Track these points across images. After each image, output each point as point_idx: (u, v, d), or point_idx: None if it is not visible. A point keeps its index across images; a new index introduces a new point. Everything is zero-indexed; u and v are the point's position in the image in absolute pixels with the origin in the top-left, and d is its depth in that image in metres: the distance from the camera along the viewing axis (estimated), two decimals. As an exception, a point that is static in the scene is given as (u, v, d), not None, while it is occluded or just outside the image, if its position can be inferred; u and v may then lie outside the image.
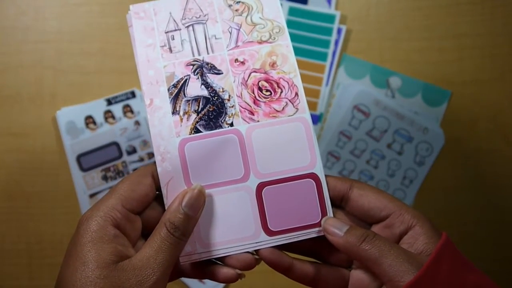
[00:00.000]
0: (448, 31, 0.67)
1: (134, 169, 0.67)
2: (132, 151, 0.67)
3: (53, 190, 0.66)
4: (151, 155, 0.67)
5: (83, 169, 0.66)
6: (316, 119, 0.67)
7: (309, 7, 0.68)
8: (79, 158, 0.66)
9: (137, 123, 0.67)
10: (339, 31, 0.67)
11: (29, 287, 0.66)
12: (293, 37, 0.59)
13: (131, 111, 0.67)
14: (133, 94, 0.67)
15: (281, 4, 0.44)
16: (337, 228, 0.38)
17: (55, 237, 0.66)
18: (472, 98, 0.67)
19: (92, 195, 0.66)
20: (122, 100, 0.67)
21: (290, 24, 0.67)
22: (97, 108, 0.66)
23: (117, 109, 0.67)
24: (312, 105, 0.67)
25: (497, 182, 0.67)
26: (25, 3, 0.68)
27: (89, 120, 0.66)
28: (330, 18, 0.67)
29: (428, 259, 0.35)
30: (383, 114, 0.67)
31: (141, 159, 0.67)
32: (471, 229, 0.67)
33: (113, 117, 0.67)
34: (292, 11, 0.67)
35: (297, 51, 0.55)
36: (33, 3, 0.68)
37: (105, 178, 0.66)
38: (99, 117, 0.66)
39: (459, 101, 0.67)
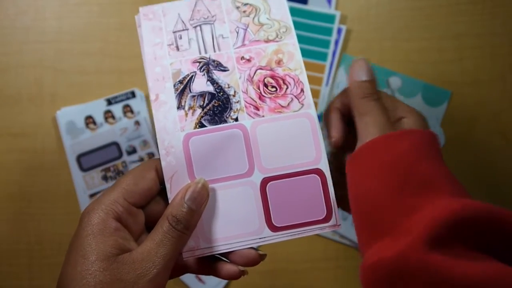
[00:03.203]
0: (448, 31, 0.67)
1: (135, 169, 0.67)
2: (132, 151, 0.67)
3: (53, 190, 0.66)
4: (151, 155, 0.67)
5: (83, 169, 0.66)
6: (316, 119, 0.67)
7: (309, 7, 0.68)
8: (79, 158, 0.66)
9: (137, 123, 0.67)
10: (339, 31, 0.67)
11: (29, 287, 0.65)
12: (294, 37, 0.59)
13: (131, 111, 0.67)
14: (133, 94, 0.67)
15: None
16: (361, 72, 0.39)
17: (55, 237, 0.66)
18: (472, 98, 0.67)
19: (92, 195, 0.66)
20: (122, 100, 0.67)
21: (290, 24, 0.67)
22: (97, 108, 0.66)
23: (117, 109, 0.66)
24: (312, 105, 0.67)
25: (497, 181, 0.67)
26: (25, 3, 0.68)
27: (89, 120, 0.66)
28: (330, 18, 0.67)
29: (387, 134, 0.35)
30: (383, 114, 0.66)
31: (141, 159, 0.67)
32: (471, 229, 0.67)
33: (113, 117, 0.66)
34: (292, 11, 0.67)
35: (298, 51, 0.55)
36: (33, 3, 0.68)
37: (105, 178, 0.66)
38: (99, 117, 0.66)
39: (459, 101, 0.67)
